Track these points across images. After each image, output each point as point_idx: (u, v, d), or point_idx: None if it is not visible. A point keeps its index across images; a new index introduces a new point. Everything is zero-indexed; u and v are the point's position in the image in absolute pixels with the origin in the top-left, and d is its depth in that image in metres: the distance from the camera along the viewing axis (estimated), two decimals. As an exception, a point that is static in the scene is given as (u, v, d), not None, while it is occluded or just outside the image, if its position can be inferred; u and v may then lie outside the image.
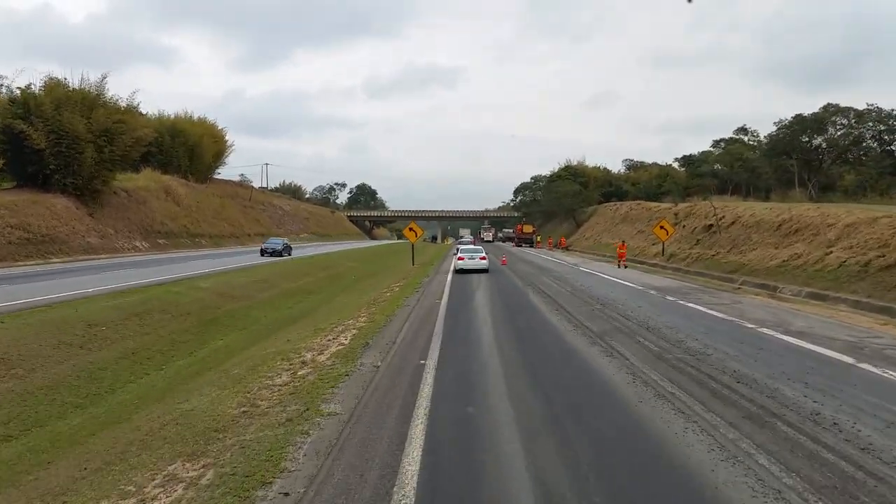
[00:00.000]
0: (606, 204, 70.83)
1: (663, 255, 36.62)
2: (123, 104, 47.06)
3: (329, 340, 12.25)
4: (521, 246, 71.82)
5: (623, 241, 33.38)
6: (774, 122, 64.19)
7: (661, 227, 36.74)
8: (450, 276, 26.27)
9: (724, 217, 34.23)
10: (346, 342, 11.76)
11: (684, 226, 38.74)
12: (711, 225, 35.01)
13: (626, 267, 30.40)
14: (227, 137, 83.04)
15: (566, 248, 61.80)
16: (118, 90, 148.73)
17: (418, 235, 35.73)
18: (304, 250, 55.37)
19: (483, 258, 29.12)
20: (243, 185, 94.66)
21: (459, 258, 29.44)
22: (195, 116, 76.66)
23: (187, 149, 69.23)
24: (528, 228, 74.97)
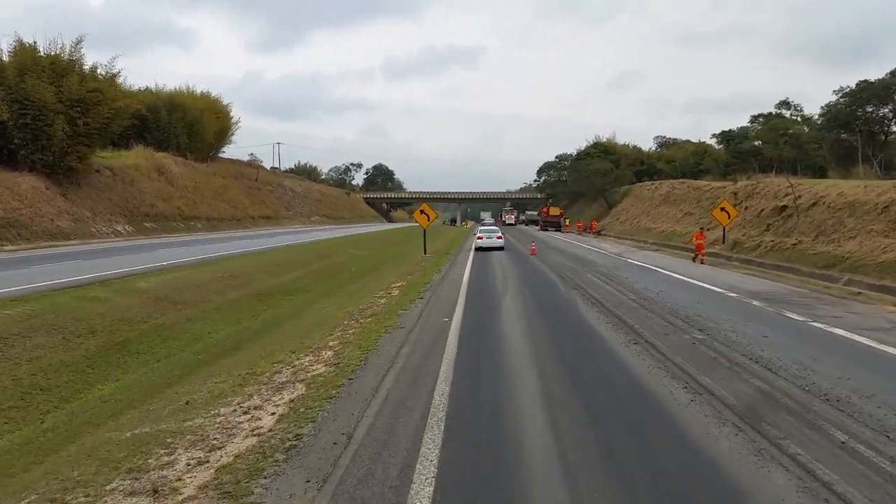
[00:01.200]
0: (642, 183, 64.52)
1: (724, 242, 30.68)
2: (102, 72, 41.80)
3: (247, 415, 6.80)
4: (546, 230, 65.89)
5: (701, 230, 27.17)
6: (834, 91, 57.43)
7: (722, 210, 30.75)
8: (468, 271, 20.73)
9: (800, 197, 28.19)
10: (269, 425, 6.30)
11: (747, 208, 32.72)
12: (785, 206, 28.97)
13: (702, 262, 24.15)
14: (232, 113, 77.89)
15: (598, 233, 55.83)
16: (138, 71, 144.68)
17: (431, 219, 30.15)
18: (309, 235, 50.08)
19: (499, 237, 33.64)
20: (252, 164, 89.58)
21: (478, 237, 34.04)
22: (198, 90, 71.59)
23: (186, 125, 64.13)
24: (554, 211, 68.83)
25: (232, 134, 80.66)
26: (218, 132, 71.72)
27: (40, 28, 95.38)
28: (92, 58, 41.79)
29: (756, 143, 79.53)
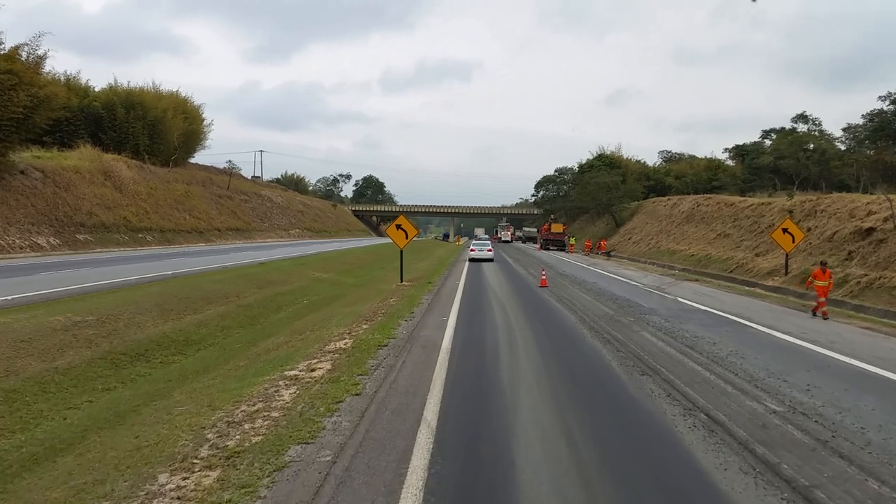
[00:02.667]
0: (656, 199, 57.82)
1: (786, 273, 23.83)
2: (24, 54, 34.85)
3: None
4: (548, 249, 58.89)
5: (824, 266, 16.19)
6: (880, 97, 50.98)
7: (785, 232, 23.93)
8: (454, 317, 13.78)
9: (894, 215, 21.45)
10: None
11: (809, 229, 25.94)
12: (872, 229, 22.20)
13: (825, 317, 14.83)
14: (204, 115, 71.08)
15: (608, 254, 49.00)
16: (134, 80, 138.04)
17: (409, 237, 23.19)
18: (275, 251, 43.04)
19: (489, 250, 38.76)
20: (227, 171, 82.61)
21: (472, 250, 39.17)
22: (164, 89, 64.72)
23: (146, 125, 57.30)
24: (557, 228, 61.77)
25: (204, 138, 74.03)
26: (186, 135, 64.75)
27: (31, 35, 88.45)
28: (88, 67, 36.27)
29: (771, 158, 73.34)
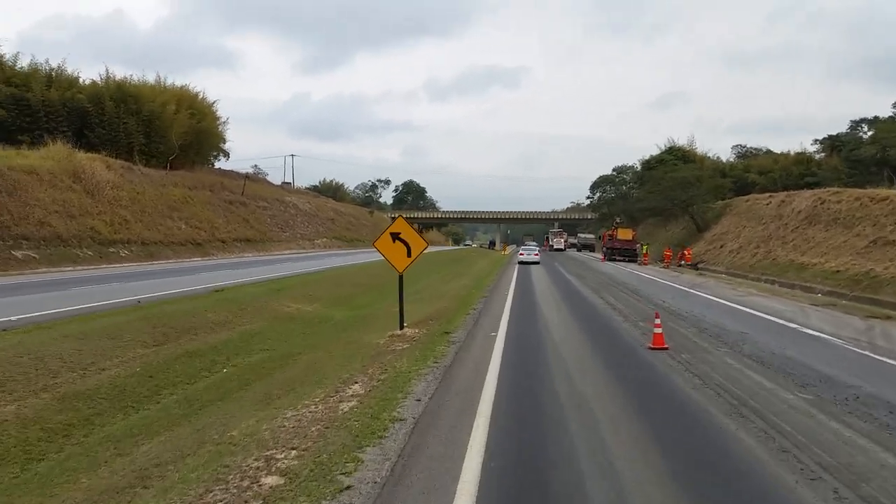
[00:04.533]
0: (751, 196, 46.90)
1: None
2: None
3: None
4: (614, 260, 48.32)
5: None
6: None
7: None
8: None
9: None
10: None
11: None
12: None
13: None
14: (218, 114, 63.28)
15: (695, 266, 38.50)
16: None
17: (414, 253, 13.72)
18: (267, 268, 34.13)
19: (536, 254, 44.29)
20: (250, 176, 74.51)
21: (520, 254, 45.86)
22: (168, 82, 57.17)
23: (141, 120, 49.63)
24: (625, 234, 50.98)
25: (222, 140, 66.42)
26: (195, 133, 56.67)
27: (92, 54, 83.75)
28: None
29: (877, 148, 61.09)
